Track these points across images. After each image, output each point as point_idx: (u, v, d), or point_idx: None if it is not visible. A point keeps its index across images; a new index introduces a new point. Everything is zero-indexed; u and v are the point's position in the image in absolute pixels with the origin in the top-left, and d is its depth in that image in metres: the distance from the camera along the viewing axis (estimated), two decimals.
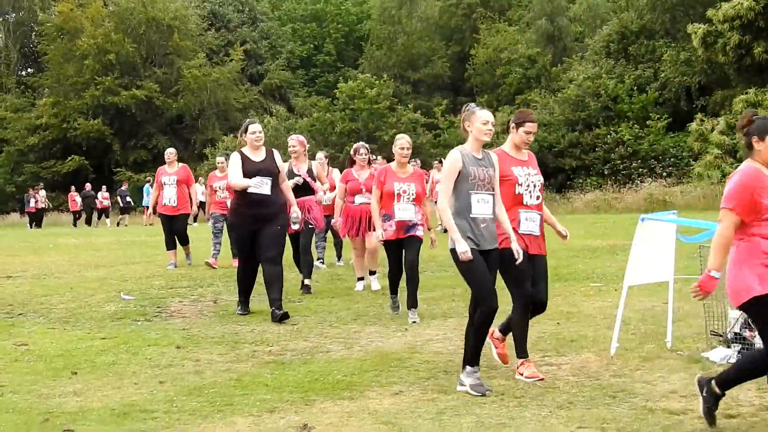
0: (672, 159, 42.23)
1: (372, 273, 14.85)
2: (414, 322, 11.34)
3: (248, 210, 12.00)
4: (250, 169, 11.95)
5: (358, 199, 14.18)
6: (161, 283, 15.96)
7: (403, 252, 11.99)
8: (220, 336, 10.92)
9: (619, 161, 43.08)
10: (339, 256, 19.37)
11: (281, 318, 11.57)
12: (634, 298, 11.58)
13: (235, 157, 12.15)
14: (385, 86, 52.93)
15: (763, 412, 6.89)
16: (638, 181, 40.16)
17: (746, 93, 39.15)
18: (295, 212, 12.66)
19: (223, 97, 60.64)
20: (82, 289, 15.63)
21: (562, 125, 45.74)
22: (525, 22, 61.60)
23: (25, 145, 59.62)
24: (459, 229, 7.80)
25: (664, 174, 40.84)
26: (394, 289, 12.21)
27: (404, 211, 11.89)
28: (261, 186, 11.93)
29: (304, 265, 14.83)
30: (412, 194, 11.95)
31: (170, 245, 19.05)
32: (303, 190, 14.52)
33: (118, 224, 45.53)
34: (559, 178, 44.95)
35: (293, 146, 14.98)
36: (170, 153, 19.57)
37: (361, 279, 14.91)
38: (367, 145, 14.91)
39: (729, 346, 8.68)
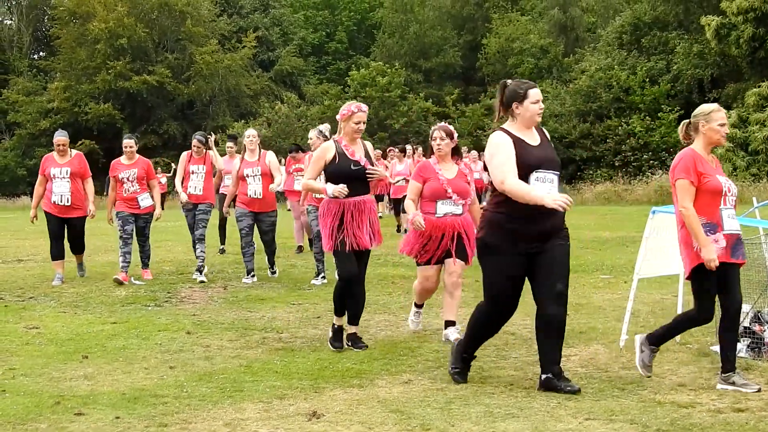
0: None
1: (451, 323, 9.97)
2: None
3: (526, 224, 7.50)
4: (529, 159, 7.51)
5: (443, 208, 9.83)
6: (171, 269, 16.01)
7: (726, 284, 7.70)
8: (230, 322, 10.96)
9: (630, 153, 43.02)
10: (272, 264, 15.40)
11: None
12: (643, 291, 11.59)
13: (504, 140, 7.55)
14: (397, 75, 52.98)
15: None
16: (649, 173, 40.09)
17: (759, 86, 39.09)
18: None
19: (235, 84, 60.62)
20: (92, 273, 15.70)
21: (574, 116, 45.69)
22: (537, 12, 61.49)
23: (37, 128, 59.67)
24: None
25: None
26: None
27: (733, 219, 7.82)
28: (550, 187, 7.54)
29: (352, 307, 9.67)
30: (735, 194, 7.92)
31: (57, 254, 14.91)
32: (361, 184, 9.51)
33: None
34: (569, 169, 44.91)
35: (362, 120, 9.63)
36: (60, 138, 15.03)
37: (419, 307, 10.59)
38: (450, 127, 10.49)
39: (738, 340, 8.68)
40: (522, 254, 7.59)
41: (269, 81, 64.01)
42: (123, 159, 15.20)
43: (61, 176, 14.73)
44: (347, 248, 9.41)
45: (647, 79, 45.38)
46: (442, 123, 10.47)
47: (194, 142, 15.48)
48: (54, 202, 14.69)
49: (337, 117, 9.70)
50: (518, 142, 7.50)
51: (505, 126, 7.70)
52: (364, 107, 9.62)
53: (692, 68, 44.42)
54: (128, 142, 15.23)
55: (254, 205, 14.47)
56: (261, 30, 65.16)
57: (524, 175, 7.41)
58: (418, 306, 10.58)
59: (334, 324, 9.60)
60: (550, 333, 7.65)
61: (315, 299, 12.71)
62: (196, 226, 15.21)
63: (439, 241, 9.86)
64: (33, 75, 65.68)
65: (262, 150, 14.86)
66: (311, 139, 14.57)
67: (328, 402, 7.21)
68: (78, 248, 15.33)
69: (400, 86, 52.54)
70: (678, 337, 9.18)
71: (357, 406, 7.07)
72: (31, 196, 16.16)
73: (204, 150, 15.45)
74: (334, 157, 9.43)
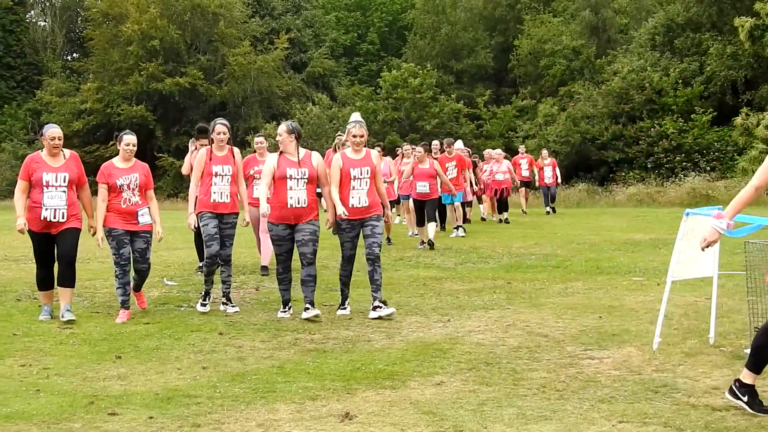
0: (716, 153, 41.91)
1: None
2: None
3: None
4: None
5: None
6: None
7: None
8: (262, 323, 10.98)
9: (663, 155, 42.77)
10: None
11: None
12: (676, 293, 11.52)
13: None
14: (429, 76, 52.92)
15: None
16: (681, 175, 39.87)
17: None
18: None
19: (267, 85, 60.65)
20: None
21: (606, 117, 45.47)
22: (569, 13, 61.25)
23: (70, 129, 59.79)
24: None
25: (708, 168, 40.56)
26: None
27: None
28: None
29: None
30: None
31: (45, 281, 11.64)
32: None
33: None
34: (601, 170, 44.75)
35: None
36: (56, 131, 11.53)
37: None
38: None
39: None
40: None
41: (301, 82, 64.08)
42: (118, 161, 11.80)
43: (56, 184, 11.30)
44: None
45: (680, 81, 45.11)
46: None
47: (218, 129, 12.10)
48: (45, 218, 11.21)
49: None
50: None
51: None
52: None
53: (726, 70, 44.14)
54: (131, 139, 11.79)
55: (294, 217, 11.36)
56: (293, 31, 65.22)
57: None
58: None
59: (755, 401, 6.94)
60: None
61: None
62: (222, 243, 12.03)
63: None
64: (66, 76, 66.05)
65: (305, 149, 11.77)
66: (351, 131, 11.82)
67: (360, 403, 7.22)
68: (67, 276, 11.45)
69: (431, 87, 52.50)
70: (712, 340, 9.14)
71: (390, 408, 7.07)
72: None
73: (229, 143, 12.27)
74: None
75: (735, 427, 6.43)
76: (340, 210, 11.37)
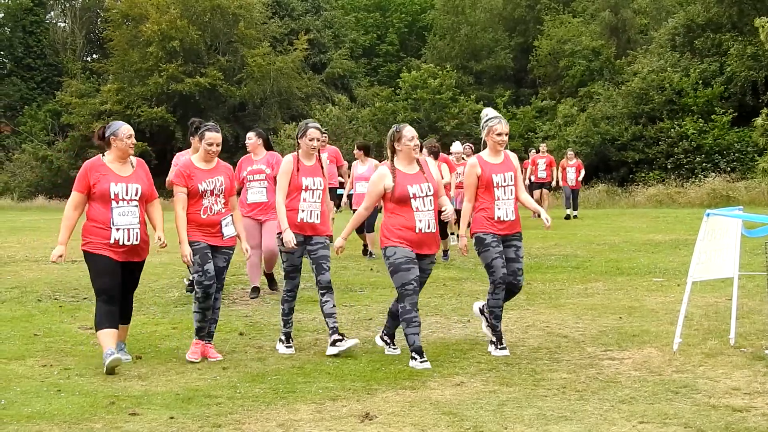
0: (736, 154, 41.70)
1: None
2: None
3: None
4: None
5: None
6: None
7: None
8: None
9: (683, 155, 42.60)
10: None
11: None
12: (697, 294, 11.50)
13: None
14: (448, 77, 52.85)
15: None
16: (702, 176, 39.73)
17: None
18: None
19: (286, 86, 60.61)
20: (146, 274, 15.61)
21: (625, 118, 45.31)
22: (589, 13, 61.04)
23: (90, 130, 59.65)
24: None
25: (728, 169, 40.38)
26: None
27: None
28: None
29: None
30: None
31: (111, 320, 8.82)
32: None
33: None
34: (621, 171, 44.57)
35: None
36: (128, 129, 9.19)
37: None
38: None
39: None
40: None
41: (320, 83, 64.01)
42: (198, 160, 9.58)
43: (127, 198, 9.02)
44: None
45: (700, 81, 44.91)
46: None
47: (311, 134, 9.74)
48: (116, 240, 8.91)
49: None
50: None
51: None
52: None
53: (746, 70, 43.90)
54: (215, 137, 9.51)
55: (421, 245, 9.09)
56: (312, 32, 65.18)
57: None
58: None
59: None
60: None
61: (367, 301, 12.74)
62: (317, 268, 9.61)
63: None
64: (86, 77, 66.10)
65: (422, 157, 9.54)
66: (495, 129, 9.57)
67: (380, 403, 7.24)
68: (128, 312, 9.44)
69: (451, 88, 52.41)
70: (732, 341, 9.11)
71: (410, 408, 7.08)
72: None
73: (317, 150, 9.94)
74: None
75: (756, 428, 6.42)
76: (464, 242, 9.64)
